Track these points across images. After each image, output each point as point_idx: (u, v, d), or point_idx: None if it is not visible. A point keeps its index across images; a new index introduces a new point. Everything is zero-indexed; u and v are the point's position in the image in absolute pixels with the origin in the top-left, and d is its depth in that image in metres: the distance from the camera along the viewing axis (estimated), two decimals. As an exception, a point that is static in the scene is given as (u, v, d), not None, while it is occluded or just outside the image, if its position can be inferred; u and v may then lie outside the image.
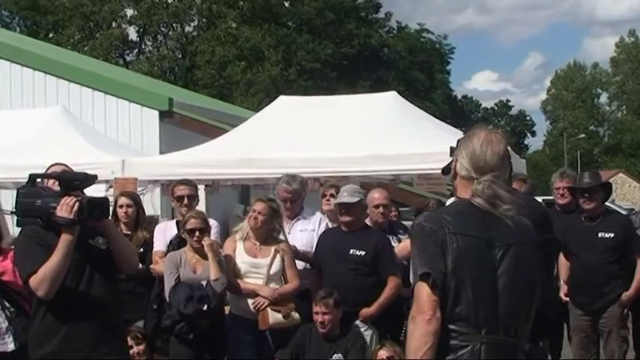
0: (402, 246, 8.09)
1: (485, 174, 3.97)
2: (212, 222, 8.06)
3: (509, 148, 4.27)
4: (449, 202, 4.45)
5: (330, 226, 8.28)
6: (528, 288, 3.97)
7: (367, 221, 8.37)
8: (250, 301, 7.50)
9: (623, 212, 12.23)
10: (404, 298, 7.75)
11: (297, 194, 8.27)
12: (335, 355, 7.39)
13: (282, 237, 7.79)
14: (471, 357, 3.79)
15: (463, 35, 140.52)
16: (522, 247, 3.96)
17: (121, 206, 8.45)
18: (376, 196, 8.42)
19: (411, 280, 3.89)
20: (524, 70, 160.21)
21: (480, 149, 4.02)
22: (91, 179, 5.34)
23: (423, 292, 3.76)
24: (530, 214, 4.55)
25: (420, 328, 3.73)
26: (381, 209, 8.32)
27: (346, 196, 7.76)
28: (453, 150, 4.20)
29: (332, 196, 8.56)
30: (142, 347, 7.34)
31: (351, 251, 7.65)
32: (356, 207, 7.76)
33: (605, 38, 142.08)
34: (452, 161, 4.15)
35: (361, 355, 7.34)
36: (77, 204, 4.99)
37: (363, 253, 7.64)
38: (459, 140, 4.18)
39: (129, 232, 8.36)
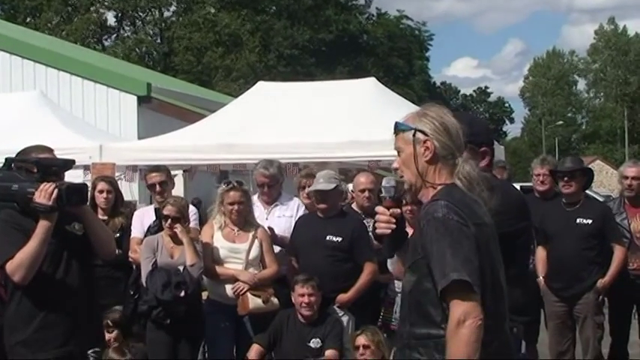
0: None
1: (461, 151, 3.82)
2: (191, 209, 8.04)
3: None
4: (386, 182, 4.23)
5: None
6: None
7: (353, 206, 8.39)
8: (230, 287, 7.48)
9: (601, 199, 12.27)
10: (381, 284, 7.77)
11: (274, 179, 8.23)
12: (313, 340, 7.41)
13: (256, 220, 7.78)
14: (499, 351, 3.69)
15: (443, 22, 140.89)
16: (494, 230, 3.84)
17: (101, 191, 8.37)
18: (362, 180, 8.40)
19: (450, 271, 3.53)
20: (503, 57, 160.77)
21: (454, 127, 3.82)
22: (69, 165, 5.32)
23: (468, 294, 3.53)
24: (508, 202, 4.54)
25: (474, 334, 3.50)
26: (366, 194, 8.27)
27: (322, 182, 7.73)
28: (403, 129, 3.90)
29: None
30: (113, 335, 7.33)
31: (328, 237, 7.64)
32: (332, 194, 7.73)
33: (584, 25, 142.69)
34: (420, 139, 3.81)
35: (339, 341, 7.36)
36: (56, 190, 4.97)
37: (340, 239, 7.63)
38: (414, 120, 3.89)
39: (105, 218, 8.29)
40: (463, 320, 3.49)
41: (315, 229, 7.70)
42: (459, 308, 3.51)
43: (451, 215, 3.60)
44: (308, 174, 8.77)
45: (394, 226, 3.97)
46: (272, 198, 8.26)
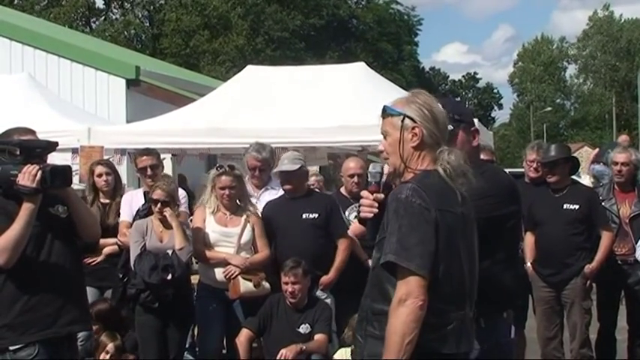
0: (356, 227, 7.89)
1: (445, 139, 3.90)
2: (181, 192, 8.02)
3: (477, 120, 4.22)
4: (372, 167, 4.28)
5: None
6: (476, 259, 3.96)
7: (342, 190, 8.38)
8: (221, 270, 7.47)
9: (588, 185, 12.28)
10: (360, 261, 7.72)
11: (266, 163, 8.22)
12: (302, 326, 7.42)
13: (250, 206, 7.75)
14: (453, 335, 3.77)
15: (432, 7, 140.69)
16: (474, 221, 3.93)
17: (100, 175, 8.36)
18: (351, 165, 8.36)
19: (391, 253, 3.67)
20: (493, 43, 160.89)
21: (440, 111, 3.90)
22: (52, 146, 5.28)
23: (415, 276, 3.64)
24: (499, 186, 4.53)
25: (411, 313, 3.63)
26: (355, 179, 8.19)
27: (286, 164, 7.77)
28: (392, 113, 3.94)
29: None
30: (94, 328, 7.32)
31: (304, 215, 7.68)
32: (297, 174, 7.78)
33: (575, 12, 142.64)
34: (408, 126, 3.88)
35: (328, 326, 7.38)
36: (39, 172, 4.93)
37: (316, 215, 7.69)
38: (403, 106, 3.94)
39: (107, 201, 8.32)
40: (404, 299, 3.63)
41: (289, 210, 7.73)
42: (402, 287, 3.65)
43: (414, 198, 3.70)
44: None
45: (377, 210, 4.07)
46: (262, 182, 8.26)
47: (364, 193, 4.20)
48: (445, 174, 3.80)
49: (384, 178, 4.17)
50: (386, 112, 3.98)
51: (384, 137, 3.99)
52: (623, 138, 14.87)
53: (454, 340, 3.78)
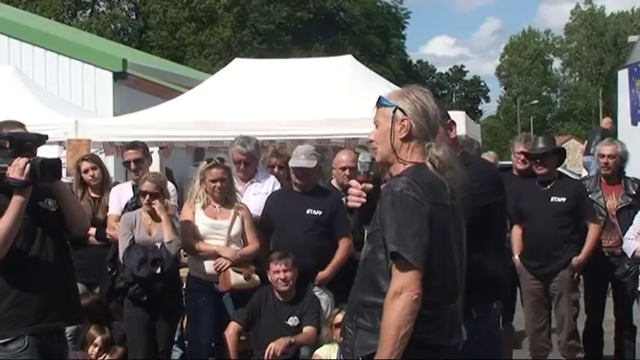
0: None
1: (435, 135, 3.95)
2: (169, 185, 8.01)
3: (464, 112, 4.26)
4: (363, 156, 4.35)
5: None
6: (464, 252, 4.00)
7: (333, 182, 8.40)
8: (211, 263, 7.48)
9: (575, 178, 12.33)
10: (357, 261, 7.75)
11: (251, 156, 8.21)
12: (291, 318, 7.44)
13: (239, 197, 7.77)
14: (444, 327, 3.82)
15: (421, 0, 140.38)
16: (460, 211, 3.96)
17: (86, 171, 8.37)
18: (343, 158, 8.36)
19: (394, 244, 3.72)
20: (481, 36, 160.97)
21: (433, 108, 3.96)
22: (42, 139, 5.28)
23: (410, 268, 3.69)
24: (483, 176, 4.56)
25: (407, 306, 3.67)
26: (347, 172, 8.17)
27: (304, 159, 7.73)
28: (385, 104, 4.02)
29: (280, 167, 8.55)
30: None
31: (308, 211, 7.66)
32: (313, 171, 7.79)
33: (562, 4, 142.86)
34: (398, 117, 3.95)
35: (317, 319, 7.39)
36: (29, 165, 4.93)
37: (320, 212, 7.67)
38: (396, 98, 4.02)
39: (97, 196, 8.33)
40: (399, 292, 3.67)
41: (294, 204, 7.71)
42: (398, 280, 3.69)
43: (409, 191, 3.74)
44: (276, 152, 8.78)
45: (364, 200, 4.15)
46: (248, 175, 8.24)
47: (353, 182, 4.27)
48: (434, 168, 3.86)
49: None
50: (380, 103, 4.06)
51: (376, 126, 4.06)
52: (606, 121, 14.97)
53: (447, 332, 3.83)
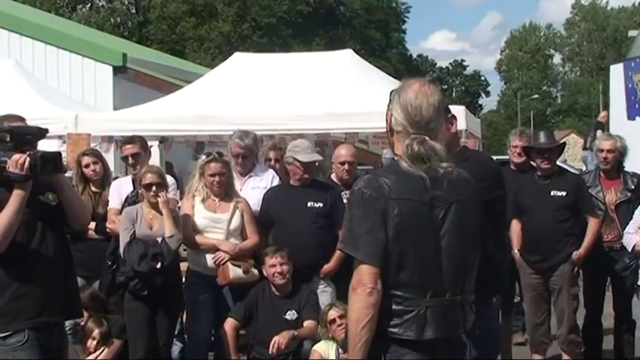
0: None
1: (421, 128, 3.88)
2: (170, 179, 8.02)
3: (464, 107, 4.26)
4: (386, 152, 4.42)
5: None
6: (470, 243, 3.96)
7: (332, 177, 8.42)
8: (210, 256, 7.49)
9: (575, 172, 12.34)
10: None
11: (249, 150, 8.21)
12: (289, 312, 7.45)
13: (237, 191, 7.79)
14: (416, 321, 3.79)
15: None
16: (464, 203, 3.91)
17: (87, 165, 8.37)
18: (343, 152, 8.38)
19: (341, 242, 3.89)
20: (481, 30, 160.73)
21: (415, 102, 3.90)
22: (43, 133, 5.29)
23: (364, 265, 3.76)
24: (483, 170, 4.58)
25: (361, 300, 3.74)
26: (346, 166, 8.23)
27: (309, 153, 7.77)
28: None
29: (277, 160, 8.57)
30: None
31: (309, 204, 7.67)
32: (314, 165, 7.84)
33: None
34: (388, 110, 4.00)
35: (316, 312, 7.40)
36: (29, 159, 4.94)
37: (321, 204, 7.68)
38: (392, 92, 4.04)
39: (97, 190, 8.34)
40: (355, 287, 3.76)
41: (293, 198, 7.71)
42: (354, 276, 3.79)
43: (365, 189, 3.83)
44: (275, 146, 8.79)
45: None
46: (246, 169, 8.24)
47: None
48: (405, 162, 3.84)
49: None
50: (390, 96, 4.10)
51: None
52: (603, 114, 15.00)
53: (417, 326, 3.80)
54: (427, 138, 3.85)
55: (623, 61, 19.09)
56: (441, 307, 3.84)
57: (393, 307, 3.78)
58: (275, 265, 7.38)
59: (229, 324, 7.45)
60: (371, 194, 3.79)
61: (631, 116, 16.84)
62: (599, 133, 12.01)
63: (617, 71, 19.02)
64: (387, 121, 4.00)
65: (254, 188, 8.12)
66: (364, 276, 3.73)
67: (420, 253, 3.81)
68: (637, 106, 16.90)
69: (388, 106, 3.99)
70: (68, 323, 6.13)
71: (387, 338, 3.79)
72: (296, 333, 7.29)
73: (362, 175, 3.93)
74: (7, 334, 5.05)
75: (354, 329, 3.75)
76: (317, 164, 7.96)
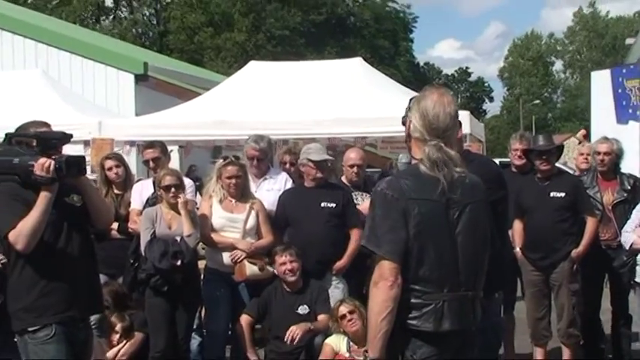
0: (366, 205, 8.12)
1: (438, 135, 3.97)
2: (187, 181, 8.05)
3: (469, 112, 4.30)
4: (401, 157, 4.47)
5: None
6: (482, 242, 4.05)
7: (343, 179, 8.45)
8: (227, 254, 7.53)
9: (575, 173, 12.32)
10: (367, 254, 7.79)
11: (264, 153, 8.25)
12: (301, 307, 7.47)
13: (253, 193, 7.81)
14: (434, 314, 3.87)
15: (428, 4, 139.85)
16: (476, 205, 4.01)
17: (110, 168, 8.41)
18: (352, 156, 8.45)
19: (365, 239, 3.97)
20: (485, 39, 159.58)
21: (433, 111, 3.99)
22: (67, 138, 5.32)
23: (385, 260, 3.82)
24: (486, 173, 4.59)
25: (382, 294, 3.80)
26: (355, 169, 8.33)
27: (323, 153, 7.83)
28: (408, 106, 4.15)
29: (292, 164, 8.60)
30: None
31: (322, 204, 7.70)
32: (326, 164, 7.87)
33: (563, 9, 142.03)
34: (406, 118, 4.10)
35: (328, 306, 7.42)
36: (54, 163, 4.97)
37: (334, 204, 7.72)
38: (411, 100, 4.14)
39: (120, 192, 8.37)
40: (377, 282, 3.84)
41: (308, 199, 7.75)
42: (376, 271, 3.86)
43: (387, 190, 3.91)
44: (289, 150, 8.81)
45: None
46: (261, 172, 8.27)
47: None
48: (425, 166, 3.93)
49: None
50: (409, 104, 4.22)
51: None
52: (582, 133, 15.04)
53: (434, 319, 3.87)
54: (443, 145, 3.94)
55: (611, 68, 19.10)
56: (456, 301, 3.92)
57: (413, 300, 3.86)
58: (285, 263, 7.42)
59: (244, 320, 7.49)
60: (392, 194, 3.87)
61: (622, 120, 16.82)
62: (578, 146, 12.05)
63: (599, 77, 19.06)
64: (407, 128, 4.08)
65: (269, 190, 8.15)
66: (386, 271, 3.81)
67: (438, 250, 3.89)
68: (630, 110, 16.86)
69: (407, 113, 4.09)
70: (93, 317, 6.14)
71: (406, 330, 3.86)
72: (312, 326, 7.31)
73: (371, 176, 3.97)
74: (35, 328, 5.10)
75: (374, 321, 3.81)
76: (329, 165, 7.99)
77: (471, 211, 3.97)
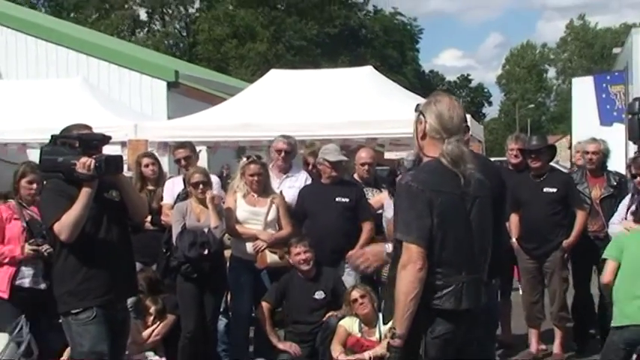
0: (376, 199, 8.17)
1: (452, 135, 4.01)
2: (214, 178, 8.07)
3: (470, 115, 4.31)
4: (406, 155, 4.48)
5: None
6: (488, 232, 4.10)
7: (355, 176, 8.48)
8: (250, 244, 7.56)
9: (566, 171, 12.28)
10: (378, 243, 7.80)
11: (292, 147, 8.33)
12: (317, 293, 7.49)
13: (274, 188, 7.83)
14: (454, 294, 3.91)
15: (433, 17, 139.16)
16: (483, 199, 4.06)
17: (147, 165, 8.47)
18: (363, 155, 8.53)
19: (395, 231, 3.96)
20: (485, 49, 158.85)
21: (448, 113, 4.05)
22: (106, 139, 5.36)
23: (413, 245, 3.84)
24: (488, 172, 4.60)
25: (411, 276, 3.82)
26: (366, 167, 8.42)
27: (338, 154, 7.88)
28: (417, 109, 4.18)
29: (314, 166, 8.63)
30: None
31: (337, 199, 7.75)
32: (341, 164, 7.92)
33: (556, 22, 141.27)
34: (419, 119, 4.12)
35: (342, 290, 7.44)
36: (94, 162, 5.01)
37: (348, 200, 7.76)
38: (423, 104, 4.17)
39: (153, 188, 8.41)
40: (405, 265, 3.85)
41: (324, 194, 7.80)
42: (404, 255, 3.86)
43: (412, 182, 3.92)
44: (314, 152, 8.84)
45: None
46: (286, 165, 8.32)
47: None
48: (445, 161, 3.96)
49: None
50: (416, 108, 4.21)
51: None
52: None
53: (455, 299, 3.92)
54: (460, 143, 4.01)
55: (594, 75, 19.08)
56: (472, 283, 3.98)
57: (436, 282, 3.89)
58: (299, 253, 7.44)
59: (264, 307, 7.53)
60: (417, 186, 3.89)
61: (606, 122, 16.79)
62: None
63: (581, 83, 19.04)
64: (423, 128, 4.08)
65: (290, 187, 8.19)
66: (414, 255, 3.83)
67: (458, 237, 3.93)
68: (615, 113, 16.83)
69: (418, 117, 4.11)
70: (129, 301, 6.18)
71: (429, 309, 3.88)
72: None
73: (407, 172, 3.99)
74: (78, 310, 5.15)
75: (403, 300, 3.83)
76: (343, 164, 8.02)
77: (479, 204, 4.02)
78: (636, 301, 6.28)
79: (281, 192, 7.92)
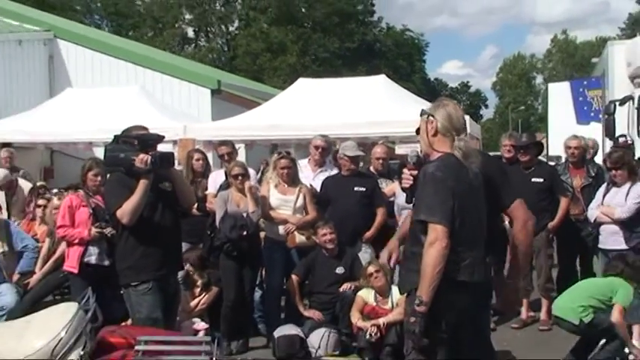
0: (389, 188, 8.17)
1: (459, 132, 4.05)
2: (251, 171, 8.09)
3: (469, 116, 4.29)
4: (410, 151, 4.46)
5: None
6: (484, 217, 4.10)
7: (371, 168, 8.51)
8: (281, 227, 7.58)
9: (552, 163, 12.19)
10: (390, 226, 7.80)
11: (328, 144, 8.41)
12: (338, 268, 7.49)
13: (301, 179, 7.83)
14: (468, 268, 3.92)
15: (438, 33, 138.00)
16: (480, 189, 4.06)
17: (197, 160, 8.53)
18: (378, 150, 8.62)
19: (421, 213, 3.93)
20: (482, 59, 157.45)
21: (456, 114, 4.08)
22: (160, 138, 5.39)
23: (440, 225, 3.84)
24: (491, 164, 4.58)
25: (437, 251, 3.81)
26: (380, 161, 8.50)
27: (355, 150, 7.89)
28: (423, 113, 4.18)
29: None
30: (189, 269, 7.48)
31: (355, 188, 7.75)
32: (358, 159, 7.93)
33: (543, 35, 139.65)
34: (429, 120, 4.11)
35: (359, 266, 7.42)
36: (150, 158, 5.04)
37: (364, 189, 7.76)
38: (432, 107, 4.17)
39: (199, 179, 8.44)
40: (432, 242, 3.83)
41: (344, 184, 7.81)
42: (431, 234, 3.85)
43: (437, 172, 3.93)
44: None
45: (411, 181, 4.28)
46: (322, 160, 8.37)
47: (405, 170, 4.41)
48: (458, 155, 4.00)
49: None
50: (422, 112, 4.21)
51: (419, 130, 4.22)
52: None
53: (468, 272, 3.94)
54: (468, 140, 4.06)
55: (570, 81, 18.96)
56: (481, 260, 4.00)
57: (454, 257, 3.87)
58: (325, 234, 7.44)
59: (293, 279, 7.54)
60: (441, 175, 3.89)
61: (582, 121, 16.69)
62: None
63: (557, 89, 18.87)
64: (434, 126, 4.08)
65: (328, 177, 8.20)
66: (440, 233, 3.82)
67: (472, 221, 3.95)
68: (592, 114, 16.71)
69: (427, 118, 4.10)
70: (180, 274, 6.22)
71: (449, 281, 3.86)
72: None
73: (430, 163, 4.00)
74: (137, 283, 5.19)
75: (430, 272, 3.81)
76: (360, 159, 8.03)
77: (478, 192, 4.05)
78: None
79: (310, 185, 7.91)
